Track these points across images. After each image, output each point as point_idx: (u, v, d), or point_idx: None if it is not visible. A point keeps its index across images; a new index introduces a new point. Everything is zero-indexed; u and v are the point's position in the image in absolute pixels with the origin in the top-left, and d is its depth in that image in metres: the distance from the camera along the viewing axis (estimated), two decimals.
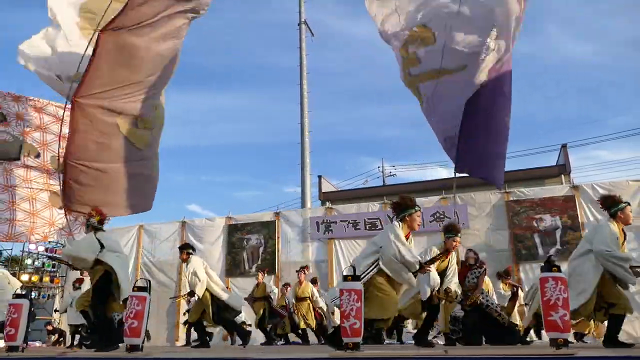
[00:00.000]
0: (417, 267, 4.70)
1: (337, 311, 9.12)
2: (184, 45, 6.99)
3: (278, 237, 11.70)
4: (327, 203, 16.17)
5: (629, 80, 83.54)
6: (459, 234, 5.77)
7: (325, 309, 9.73)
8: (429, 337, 5.95)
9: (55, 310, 12.37)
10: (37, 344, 10.99)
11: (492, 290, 7.99)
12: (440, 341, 7.75)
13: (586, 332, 7.78)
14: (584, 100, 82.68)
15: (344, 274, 4.35)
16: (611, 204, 5.06)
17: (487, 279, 8.02)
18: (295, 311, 9.43)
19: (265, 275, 10.25)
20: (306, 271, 9.82)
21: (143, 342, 4.88)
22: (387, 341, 9.46)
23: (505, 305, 8.36)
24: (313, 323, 9.40)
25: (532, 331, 7.36)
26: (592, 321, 6.48)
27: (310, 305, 9.52)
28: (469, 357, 3.68)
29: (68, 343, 10.23)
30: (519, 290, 8.58)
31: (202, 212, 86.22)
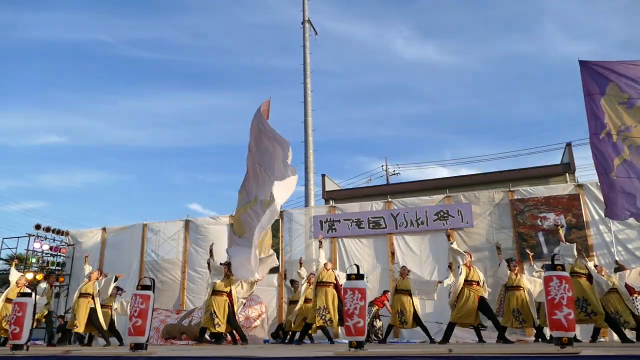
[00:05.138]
0: None
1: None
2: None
3: (282, 236, 11.71)
4: (331, 202, 16.14)
5: None
6: None
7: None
8: None
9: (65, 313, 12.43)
10: (40, 342, 11.01)
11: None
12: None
13: None
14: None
15: (348, 272, 4.33)
16: None
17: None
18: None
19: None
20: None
21: (147, 341, 4.89)
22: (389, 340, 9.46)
23: None
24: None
25: None
26: None
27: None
28: (470, 356, 3.66)
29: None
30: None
31: (203, 211, 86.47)
